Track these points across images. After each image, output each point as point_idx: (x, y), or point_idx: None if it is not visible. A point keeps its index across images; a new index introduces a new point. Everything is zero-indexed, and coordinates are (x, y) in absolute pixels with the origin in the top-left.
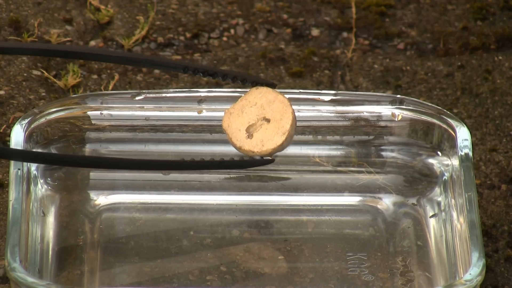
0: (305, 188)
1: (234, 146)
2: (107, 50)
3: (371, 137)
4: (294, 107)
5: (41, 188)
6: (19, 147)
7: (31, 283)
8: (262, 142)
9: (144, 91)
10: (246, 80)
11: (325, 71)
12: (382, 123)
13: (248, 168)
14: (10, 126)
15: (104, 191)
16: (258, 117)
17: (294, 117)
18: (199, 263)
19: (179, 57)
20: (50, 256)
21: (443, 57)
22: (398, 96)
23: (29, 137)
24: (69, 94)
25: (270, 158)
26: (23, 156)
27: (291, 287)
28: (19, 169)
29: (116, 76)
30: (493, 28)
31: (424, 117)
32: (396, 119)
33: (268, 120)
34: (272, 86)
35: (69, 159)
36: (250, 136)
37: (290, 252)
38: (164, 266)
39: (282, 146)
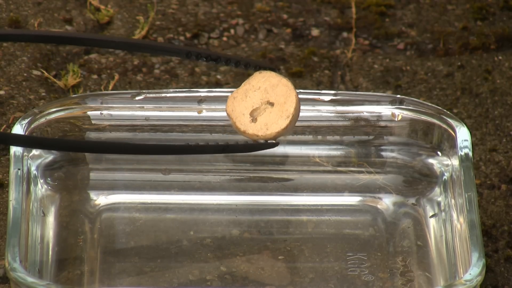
0: (305, 188)
1: (238, 130)
2: (109, 35)
3: (371, 137)
4: None
5: (41, 188)
6: (19, 148)
7: (31, 283)
8: (266, 126)
9: (144, 91)
10: (249, 64)
11: (325, 71)
12: (382, 123)
13: (252, 151)
14: (10, 126)
15: (104, 191)
16: (262, 101)
17: (298, 100)
18: (199, 263)
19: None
20: (50, 256)
21: (443, 57)
22: (398, 96)
23: None
24: (69, 94)
25: (274, 141)
26: (24, 141)
27: (291, 287)
28: (19, 169)
29: (116, 76)
30: (493, 28)
31: (424, 117)
32: (396, 119)
33: (272, 104)
34: (275, 70)
35: (71, 144)
36: (254, 120)
37: (290, 252)
38: (164, 266)
39: (286, 130)
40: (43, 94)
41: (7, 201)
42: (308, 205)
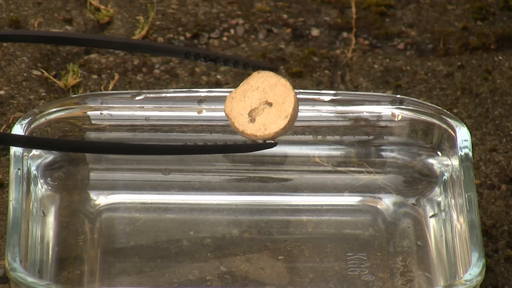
0: (305, 188)
1: (237, 130)
2: (109, 36)
3: (371, 137)
4: None
5: (41, 188)
6: (19, 148)
7: (31, 283)
8: (264, 126)
9: (144, 91)
10: (248, 64)
11: (325, 71)
12: (382, 123)
13: (251, 151)
14: (10, 126)
15: (104, 191)
16: (260, 101)
17: (297, 100)
18: (199, 263)
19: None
20: (50, 256)
21: (443, 57)
22: (398, 96)
23: None
24: (69, 94)
25: (272, 142)
26: (24, 142)
27: (291, 287)
28: (19, 169)
29: (116, 76)
30: (493, 28)
31: (424, 117)
32: (396, 119)
33: (270, 104)
34: (274, 70)
35: (71, 144)
36: (252, 120)
37: (290, 252)
38: (164, 266)
39: (284, 130)
40: (43, 94)
41: (7, 201)
42: (308, 205)
